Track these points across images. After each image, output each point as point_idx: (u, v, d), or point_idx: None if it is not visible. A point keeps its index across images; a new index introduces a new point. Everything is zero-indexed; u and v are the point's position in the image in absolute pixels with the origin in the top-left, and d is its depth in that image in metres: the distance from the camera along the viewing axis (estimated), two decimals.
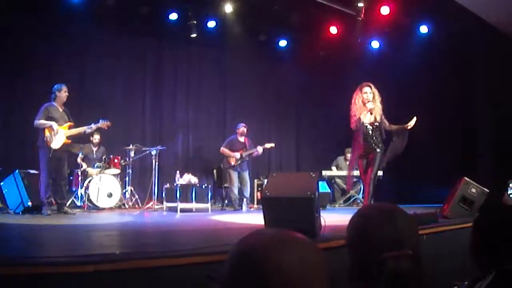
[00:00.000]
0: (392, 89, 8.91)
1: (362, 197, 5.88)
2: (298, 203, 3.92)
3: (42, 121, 6.44)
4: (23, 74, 7.98)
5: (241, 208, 8.37)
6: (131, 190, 8.42)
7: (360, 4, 8.65)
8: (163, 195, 8.02)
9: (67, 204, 7.03)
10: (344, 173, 9.31)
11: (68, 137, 6.62)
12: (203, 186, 8.15)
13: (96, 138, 8.34)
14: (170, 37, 9.59)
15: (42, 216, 6.24)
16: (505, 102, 8.10)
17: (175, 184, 7.86)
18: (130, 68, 9.38)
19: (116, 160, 8.19)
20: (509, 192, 6.55)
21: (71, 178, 7.88)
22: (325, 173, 9.75)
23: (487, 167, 8.17)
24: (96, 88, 8.79)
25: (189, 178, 8.06)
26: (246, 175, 8.71)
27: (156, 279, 2.65)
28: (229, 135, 9.26)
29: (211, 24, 9.48)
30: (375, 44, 10.13)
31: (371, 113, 5.57)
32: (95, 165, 8.05)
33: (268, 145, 9.06)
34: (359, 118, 5.53)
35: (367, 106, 5.55)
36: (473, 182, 5.72)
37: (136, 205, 8.37)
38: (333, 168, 10.01)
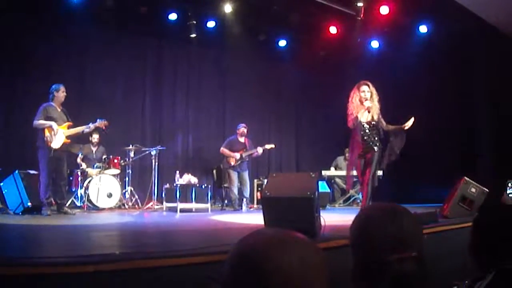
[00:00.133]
0: (391, 89, 8.94)
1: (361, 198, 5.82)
2: (298, 203, 3.92)
3: (42, 121, 6.43)
4: (23, 74, 7.98)
5: (241, 208, 8.37)
6: (131, 190, 8.42)
7: (360, 4, 8.66)
8: (163, 195, 8.02)
9: (67, 205, 7.03)
10: (343, 173, 9.31)
11: (67, 137, 6.62)
12: (203, 186, 8.15)
13: (95, 137, 8.34)
14: (170, 37, 9.59)
15: (42, 216, 6.24)
16: (504, 102, 8.11)
17: (175, 184, 7.86)
18: (130, 68, 9.38)
19: (116, 160, 8.19)
20: (508, 191, 6.54)
21: (71, 178, 7.87)
22: (325, 173, 9.75)
23: (486, 167, 8.17)
24: (96, 88, 8.79)
25: (189, 178, 8.06)
26: (245, 175, 8.72)
27: (156, 279, 2.65)
28: (229, 135, 9.27)
29: (211, 24, 9.48)
30: (374, 44, 10.14)
31: (368, 112, 5.50)
32: (95, 166, 8.05)
33: (268, 146, 9.07)
34: (356, 117, 5.47)
35: (365, 104, 5.48)
36: (473, 182, 5.71)
37: (136, 205, 8.37)
38: (332, 168, 10.01)
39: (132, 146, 8.48)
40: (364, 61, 9.80)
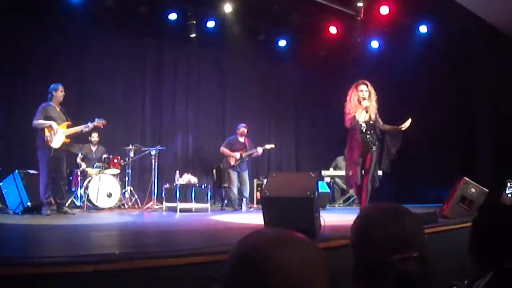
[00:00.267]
0: (391, 89, 8.92)
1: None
2: (298, 203, 3.92)
3: (41, 121, 6.43)
4: (23, 74, 7.98)
5: (241, 208, 8.38)
6: (130, 190, 8.42)
7: (360, 4, 8.66)
8: (163, 195, 8.02)
9: (67, 204, 7.02)
10: (343, 173, 9.31)
11: (67, 136, 6.62)
12: (203, 186, 8.15)
13: (94, 136, 8.34)
14: (170, 37, 9.60)
15: (41, 216, 6.24)
16: (504, 102, 8.11)
17: (174, 184, 7.86)
18: (129, 68, 9.39)
19: (115, 160, 8.19)
20: (507, 191, 6.54)
21: (71, 178, 7.87)
22: (325, 173, 9.75)
23: (486, 167, 8.17)
24: (96, 88, 8.79)
25: (188, 178, 8.06)
26: (245, 175, 8.72)
27: (156, 279, 2.65)
28: (229, 135, 9.27)
29: (211, 24, 9.49)
30: (374, 44, 10.14)
31: (366, 111, 5.45)
32: (95, 165, 8.05)
33: (268, 146, 9.08)
34: (354, 116, 5.41)
35: (363, 104, 5.43)
36: (473, 182, 5.71)
37: (136, 205, 8.37)
38: (331, 168, 10.01)
39: (132, 146, 8.48)
40: (364, 61, 9.80)
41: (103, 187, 7.70)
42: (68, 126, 6.69)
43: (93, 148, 8.41)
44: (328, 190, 9.42)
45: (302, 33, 10.10)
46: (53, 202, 6.63)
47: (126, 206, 8.21)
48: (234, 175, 8.58)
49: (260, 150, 8.85)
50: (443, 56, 8.95)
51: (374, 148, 5.44)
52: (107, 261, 2.64)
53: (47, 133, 6.40)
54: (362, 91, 5.48)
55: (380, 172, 8.58)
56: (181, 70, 10.04)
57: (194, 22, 9.23)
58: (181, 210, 7.52)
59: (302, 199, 3.91)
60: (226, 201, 8.85)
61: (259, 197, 8.43)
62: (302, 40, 10.26)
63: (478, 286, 1.43)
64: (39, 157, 6.49)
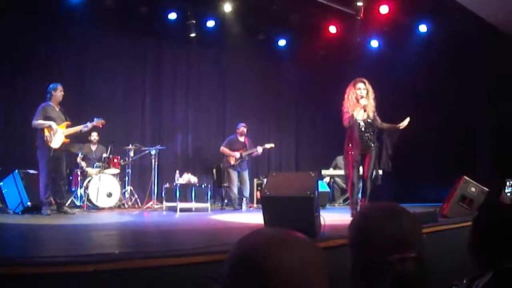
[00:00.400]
0: (391, 88, 8.93)
1: (361, 198, 5.70)
2: (298, 202, 3.92)
3: (41, 121, 6.42)
4: (23, 74, 7.97)
5: (241, 208, 8.38)
6: (130, 189, 8.42)
7: (359, 4, 8.66)
8: (163, 194, 8.02)
9: (67, 204, 7.02)
10: (343, 172, 9.30)
11: (66, 136, 6.61)
12: (203, 186, 8.15)
13: (94, 135, 8.34)
14: (170, 37, 9.59)
15: (41, 216, 6.24)
16: (504, 101, 8.11)
17: (174, 184, 7.86)
18: (129, 68, 9.38)
19: (115, 160, 8.19)
20: (506, 191, 6.55)
21: (71, 178, 7.87)
22: (325, 172, 9.75)
23: (486, 166, 8.18)
24: (96, 87, 8.79)
25: (188, 177, 8.06)
26: (245, 174, 8.72)
27: (156, 278, 2.65)
28: (229, 135, 9.27)
29: (210, 23, 9.49)
30: (374, 44, 10.14)
31: (364, 110, 5.39)
32: (95, 165, 8.05)
33: (268, 145, 9.08)
34: (352, 115, 5.34)
35: (361, 102, 5.36)
36: (473, 181, 5.71)
37: (136, 205, 8.37)
38: (331, 168, 10.01)
39: (132, 145, 8.48)
40: (364, 61, 9.79)
41: (103, 186, 7.70)
42: (68, 126, 6.69)
43: (93, 148, 8.41)
44: (328, 190, 9.41)
45: (302, 33, 10.09)
46: (53, 202, 6.63)
47: (126, 206, 8.21)
48: (234, 175, 8.59)
49: (260, 149, 8.85)
50: (443, 55, 8.95)
51: (373, 147, 5.39)
52: (107, 261, 2.64)
53: (46, 133, 6.40)
54: (360, 89, 5.40)
55: (380, 172, 8.60)
56: (181, 69, 10.04)
57: (194, 21, 9.23)
58: (181, 210, 7.51)
59: (302, 199, 3.92)
60: (226, 201, 8.85)
61: (259, 197, 8.42)
62: (302, 40, 10.26)
63: (478, 285, 1.43)
64: (39, 157, 6.48)
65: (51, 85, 6.69)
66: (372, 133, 5.41)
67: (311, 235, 3.63)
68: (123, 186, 8.35)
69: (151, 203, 8.20)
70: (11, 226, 5.23)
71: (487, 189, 5.71)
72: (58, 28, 8.24)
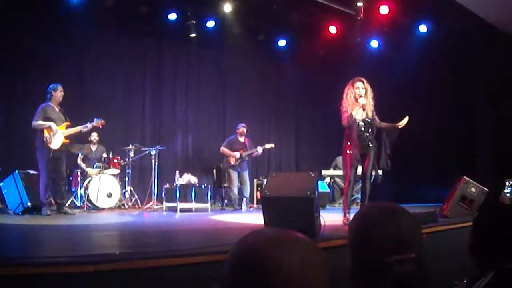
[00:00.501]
0: (391, 88, 8.93)
1: (361, 199, 5.65)
2: (298, 202, 3.93)
3: (40, 122, 6.42)
4: (23, 74, 7.97)
5: (241, 208, 8.38)
6: (130, 190, 8.42)
7: (359, 4, 8.66)
8: (163, 195, 8.02)
9: (67, 204, 7.02)
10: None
11: (66, 137, 6.61)
12: (203, 186, 8.15)
13: (94, 135, 8.33)
14: (170, 37, 9.59)
15: (41, 216, 6.23)
16: (504, 102, 8.11)
17: (174, 184, 7.86)
18: (129, 68, 9.38)
19: (115, 160, 8.18)
20: (506, 191, 6.55)
21: (71, 178, 7.87)
22: (325, 172, 9.75)
23: (486, 166, 8.17)
24: (96, 88, 8.79)
25: (188, 178, 8.06)
26: (246, 174, 8.73)
27: (156, 279, 2.66)
28: (229, 135, 9.28)
29: (210, 24, 9.49)
30: (374, 44, 10.14)
31: (363, 109, 5.32)
32: (95, 165, 8.05)
33: (268, 146, 9.09)
34: (351, 114, 5.26)
35: (359, 101, 5.28)
36: (473, 182, 5.71)
37: (136, 205, 8.37)
38: (331, 168, 10.00)
39: (132, 146, 8.48)
40: (364, 61, 9.79)
41: (103, 187, 7.69)
42: (67, 127, 6.68)
43: (93, 148, 8.41)
44: (328, 190, 9.41)
45: (302, 33, 10.10)
46: (53, 202, 6.63)
47: (126, 206, 8.21)
48: (234, 175, 8.59)
49: (260, 149, 8.86)
50: (443, 55, 8.95)
51: (372, 146, 5.33)
52: (107, 261, 2.64)
53: (46, 134, 6.40)
54: (358, 88, 5.33)
55: (380, 172, 8.58)
56: (181, 70, 10.04)
57: (194, 22, 9.23)
58: (181, 210, 7.52)
59: (302, 199, 3.92)
60: (226, 201, 8.85)
61: (259, 197, 8.42)
62: (302, 40, 10.26)
63: (479, 286, 1.43)
64: (38, 158, 6.48)
65: (51, 86, 6.69)
66: (371, 132, 5.36)
67: (311, 235, 3.63)
68: (123, 186, 8.35)
69: (151, 203, 8.20)
70: (11, 227, 5.23)
71: (487, 190, 5.71)
72: (58, 28, 8.24)
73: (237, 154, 8.62)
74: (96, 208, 7.57)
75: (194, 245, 3.61)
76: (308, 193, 3.93)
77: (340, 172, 9.66)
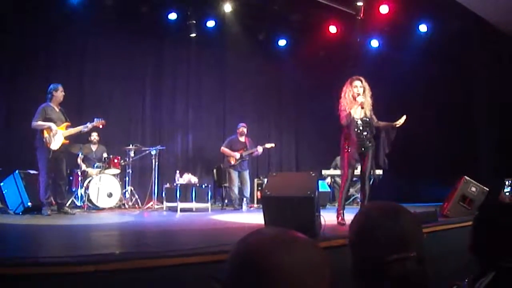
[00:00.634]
0: (391, 87, 8.93)
1: (360, 199, 5.62)
2: (298, 202, 3.93)
3: (40, 123, 6.41)
4: (23, 74, 7.97)
5: (241, 208, 8.38)
6: (131, 190, 8.42)
7: (359, 3, 8.66)
8: (163, 195, 8.02)
9: (67, 204, 7.02)
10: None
11: (66, 137, 6.61)
12: (203, 186, 8.15)
13: (94, 135, 8.33)
14: (170, 37, 9.59)
15: (42, 216, 6.23)
16: (504, 101, 8.11)
17: (175, 184, 7.86)
18: (130, 68, 9.37)
19: (116, 160, 8.18)
20: (505, 190, 6.56)
21: (71, 178, 7.87)
22: (325, 172, 9.75)
23: (487, 166, 8.17)
24: (96, 88, 8.80)
25: (189, 177, 8.06)
26: (246, 174, 8.72)
27: (156, 279, 2.66)
28: (229, 135, 9.27)
29: (211, 23, 9.49)
30: (374, 43, 10.14)
31: (361, 108, 5.29)
32: (95, 165, 8.04)
33: (268, 145, 9.08)
34: (350, 113, 5.23)
35: (358, 100, 5.24)
36: (473, 181, 5.72)
37: (136, 205, 8.36)
38: (332, 168, 10.00)
39: (132, 145, 8.47)
40: (364, 61, 9.79)
41: (104, 187, 7.69)
42: (67, 127, 6.68)
43: (93, 148, 8.40)
44: (329, 190, 9.41)
45: (302, 33, 10.10)
46: (53, 202, 6.63)
47: (127, 206, 8.20)
48: (235, 175, 8.59)
49: (260, 149, 8.86)
50: (443, 55, 8.95)
51: (370, 145, 5.30)
52: (107, 261, 2.64)
53: (45, 134, 6.39)
54: (356, 86, 5.30)
55: (380, 171, 8.58)
56: (181, 69, 10.03)
57: (194, 21, 9.23)
58: (182, 210, 7.52)
59: (302, 199, 3.92)
60: (226, 201, 8.85)
61: (259, 197, 8.42)
62: (302, 40, 10.25)
63: (480, 285, 1.43)
64: (38, 157, 6.48)
65: (51, 86, 6.68)
66: (369, 131, 5.32)
67: (312, 235, 3.64)
68: (123, 186, 8.34)
69: (151, 203, 8.20)
70: (12, 227, 5.24)
71: (487, 189, 5.71)
72: (58, 28, 8.23)
73: (237, 154, 8.62)
74: (96, 208, 7.56)
75: (194, 245, 3.61)
76: (309, 192, 3.93)
77: (340, 172, 9.66)
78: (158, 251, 3.13)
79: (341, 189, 5.48)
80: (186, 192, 7.76)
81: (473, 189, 5.67)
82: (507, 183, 6.62)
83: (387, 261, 1.13)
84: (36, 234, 4.70)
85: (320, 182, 7.32)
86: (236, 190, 8.55)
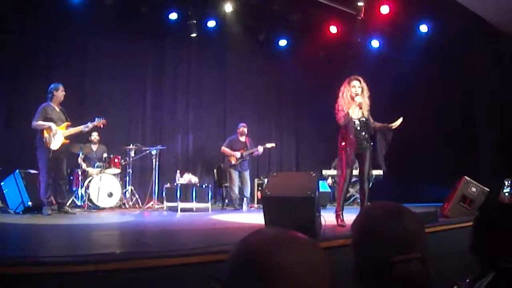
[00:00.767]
0: (391, 88, 8.93)
1: (360, 200, 5.59)
2: (299, 202, 3.92)
3: (40, 122, 6.41)
4: (23, 74, 7.97)
5: (242, 208, 8.38)
6: (131, 189, 8.42)
7: (360, 4, 8.66)
8: (164, 194, 8.03)
9: (67, 204, 7.02)
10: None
11: (66, 137, 6.61)
12: (204, 186, 8.16)
13: (94, 135, 8.33)
14: (170, 37, 9.60)
15: (42, 215, 6.24)
16: (505, 102, 8.11)
17: (175, 184, 7.87)
18: (130, 68, 9.37)
19: (116, 160, 8.18)
20: (504, 190, 6.56)
21: (71, 177, 7.87)
22: (325, 172, 9.75)
23: (487, 166, 8.17)
24: (97, 88, 8.80)
25: (189, 177, 8.06)
26: (246, 174, 8.73)
27: (156, 278, 2.66)
28: (229, 135, 9.28)
29: (211, 23, 9.49)
30: (375, 44, 10.14)
31: (360, 108, 5.24)
32: (95, 165, 8.05)
33: (268, 145, 9.08)
34: (348, 113, 5.19)
35: (356, 100, 5.19)
36: (473, 181, 5.71)
37: (137, 205, 8.37)
38: (332, 168, 10.00)
39: (133, 145, 8.48)
40: (365, 61, 9.79)
41: (104, 186, 7.69)
42: (68, 127, 6.68)
43: (94, 148, 8.41)
44: (329, 190, 9.41)
45: (302, 33, 10.10)
46: (53, 201, 6.63)
47: (127, 206, 8.21)
48: (235, 175, 8.59)
49: (260, 149, 8.86)
50: (444, 55, 8.95)
51: (367, 146, 5.26)
52: (108, 260, 2.64)
53: (45, 134, 6.39)
54: (355, 86, 5.25)
55: (380, 172, 8.58)
56: (182, 69, 10.04)
57: (195, 21, 9.23)
58: (182, 210, 7.52)
59: (303, 199, 3.92)
60: (227, 201, 8.85)
61: (260, 197, 8.43)
62: (302, 40, 10.25)
63: (480, 286, 1.43)
64: (38, 157, 6.48)
65: (52, 85, 6.69)
66: (367, 132, 5.28)
67: (312, 235, 3.64)
68: (123, 186, 8.35)
69: (151, 203, 8.20)
70: (12, 226, 5.24)
71: (487, 189, 5.71)
72: (59, 28, 8.24)
73: (238, 154, 8.63)
74: (96, 208, 7.57)
75: (194, 244, 3.61)
76: (309, 193, 3.93)
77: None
78: (158, 251, 3.13)
79: (339, 190, 5.42)
80: (186, 192, 7.77)
81: (474, 189, 5.67)
82: (506, 183, 6.62)
83: (391, 262, 1.12)
84: (37, 234, 4.70)
85: (320, 182, 7.32)
86: (236, 190, 8.55)
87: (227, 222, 6.13)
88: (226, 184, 8.76)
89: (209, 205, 7.88)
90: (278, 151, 10.69)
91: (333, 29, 9.70)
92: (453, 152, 8.76)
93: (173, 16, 9.15)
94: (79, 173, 7.76)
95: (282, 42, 10.51)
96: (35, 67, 8.09)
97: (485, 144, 8.67)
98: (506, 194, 6.54)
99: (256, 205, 8.92)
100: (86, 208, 7.38)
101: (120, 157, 8.30)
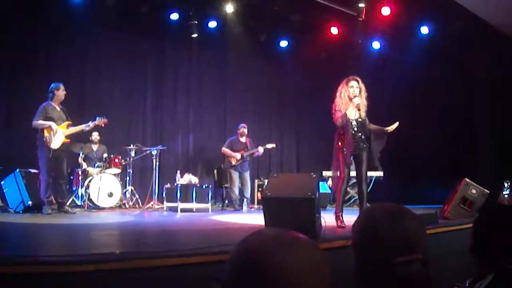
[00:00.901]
0: (392, 89, 8.93)
1: (359, 202, 5.57)
2: (299, 203, 3.93)
3: (41, 122, 6.42)
4: (23, 74, 7.98)
5: (242, 208, 8.38)
6: (131, 189, 8.42)
7: (361, 5, 8.66)
8: (164, 195, 8.03)
9: (68, 204, 7.02)
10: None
11: (67, 137, 6.61)
12: (204, 186, 8.16)
13: (95, 135, 8.34)
14: (171, 37, 9.60)
15: (42, 215, 6.24)
16: (505, 102, 8.11)
17: (175, 184, 7.86)
18: (130, 68, 9.38)
19: (116, 160, 8.18)
20: (504, 192, 6.56)
21: (72, 177, 7.88)
22: (326, 173, 9.74)
23: (487, 168, 8.17)
24: (97, 88, 8.80)
25: (189, 178, 8.07)
26: (247, 175, 8.72)
27: (156, 278, 2.66)
28: (230, 135, 9.28)
29: (212, 24, 9.49)
30: (376, 45, 10.13)
31: (357, 109, 5.20)
32: (96, 165, 8.05)
33: (269, 146, 9.08)
34: (345, 114, 5.17)
35: (354, 101, 5.16)
36: (473, 183, 5.71)
37: (137, 205, 8.36)
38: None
39: (133, 145, 8.48)
40: (366, 62, 9.79)
41: (104, 186, 7.70)
42: (69, 126, 6.69)
43: (94, 147, 8.41)
44: (329, 191, 9.40)
45: (303, 34, 10.10)
46: (53, 201, 6.63)
47: (127, 206, 8.21)
48: (235, 175, 8.59)
49: (261, 149, 8.86)
50: (445, 56, 8.94)
51: (364, 147, 5.24)
52: (107, 260, 2.64)
53: (46, 134, 6.40)
54: (353, 87, 5.22)
55: (381, 173, 8.58)
56: (182, 70, 10.04)
57: (196, 22, 9.23)
58: (182, 210, 7.52)
59: (303, 200, 3.92)
60: (227, 201, 8.85)
61: (260, 198, 8.43)
62: (303, 41, 10.25)
63: (480, 287, 1.43)
64: (39, 156, 6.49)
65: (53, 85, 6.69)
66: (363, 132, 5.25)
67: (312, 236, 3.63)
68: (124, 186, 8.35)
69: (152, 203, 8.20)
70: (12, 225, 5.24)
71: (487, 191, 5.71)
72: (59, 28, 8.24)
73: (238, 156, 8.62)
74: (96, 208, 7.57)
75: (194, 245, 3.61)
76: (309, 193, 3.93)
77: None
78: (158, 251, 3.13)
79: (338, 190, 5.37)
80: (186, 192, 7.77)
81: (474, 191, 5.67)
82: (506, 185, 6.62)
83: (393, 263, 1.12)
84: (37, 233, 4.70)
85: (320, 183, 7.31)
86: (236, 191, 8.55)
87: (227, 223, 6.13)
88: (226, 185, 8.76)
89: (209, 205, 7.88)
90: (279, 152, 10.68)
91: (334, 30, 9.70)
92: (454, 153, 8.76)
93: (174, 16, 9.14)
94: (79, 172, 7.76)
95: (283, 43, 10.50)
96: (35, 67, 8.09)
97: (485, 146, 8.67)
98: (506, 196, 6.54)
99: (256, 206, 8.91)
100: (86, 208, 7.38)
101: (120, 157, 8.31)
